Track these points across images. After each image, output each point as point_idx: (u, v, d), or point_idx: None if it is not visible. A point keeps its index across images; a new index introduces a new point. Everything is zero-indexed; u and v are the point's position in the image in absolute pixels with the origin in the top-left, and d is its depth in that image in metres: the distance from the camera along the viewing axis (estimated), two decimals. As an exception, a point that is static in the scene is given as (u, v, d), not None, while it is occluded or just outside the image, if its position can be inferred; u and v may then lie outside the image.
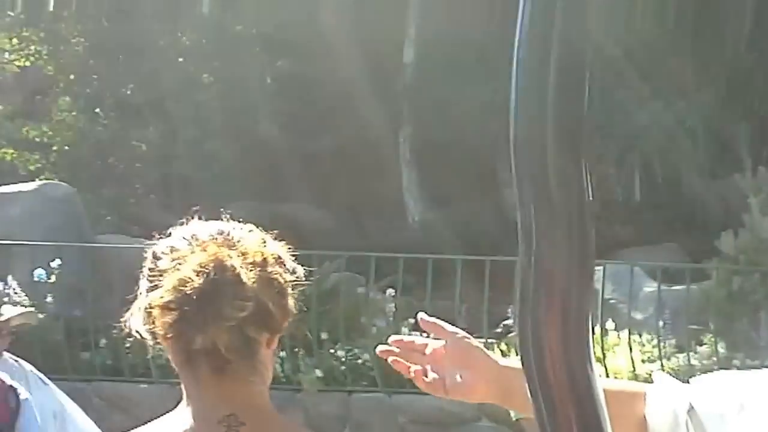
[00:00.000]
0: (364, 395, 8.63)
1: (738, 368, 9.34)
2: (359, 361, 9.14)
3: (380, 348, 1.86)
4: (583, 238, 0.97)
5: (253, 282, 1.72)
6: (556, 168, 0.96)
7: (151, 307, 1.75)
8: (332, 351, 9.29)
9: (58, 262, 9.76)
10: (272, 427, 1.78)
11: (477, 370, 1.81)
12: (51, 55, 19.43)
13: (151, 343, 1.82)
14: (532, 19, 0.97)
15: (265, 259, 1.78)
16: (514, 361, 1.97)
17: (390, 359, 1.85)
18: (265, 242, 1.82)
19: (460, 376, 1.81)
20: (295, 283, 1.82)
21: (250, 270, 1.73)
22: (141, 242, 10.40)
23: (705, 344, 9.71)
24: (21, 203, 11.82)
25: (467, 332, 1.91)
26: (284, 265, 1.82)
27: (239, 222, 1.88)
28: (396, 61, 18.97)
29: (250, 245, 1.79)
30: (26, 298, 8.99)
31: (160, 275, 1.76)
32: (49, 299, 9.81)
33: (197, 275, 1.69)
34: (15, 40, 20.18)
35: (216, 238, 1.79)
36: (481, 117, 16.31)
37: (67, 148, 18.13)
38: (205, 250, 1.75)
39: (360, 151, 17.77)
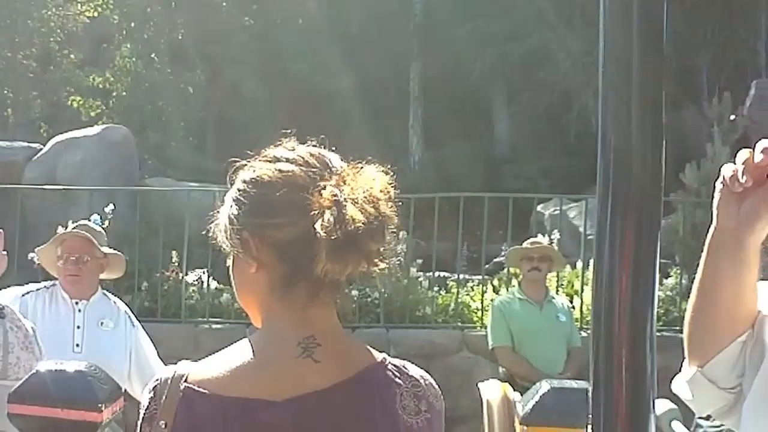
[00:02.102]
0: (367, 330, 8.57)
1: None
2: (368, 299, 9.04)
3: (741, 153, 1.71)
4: (656, 176, 1.03)
5: (392, 215, 1.53)
6: (638, 113, 1.01)
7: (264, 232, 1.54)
8: (347, 291, 9.06)
9: (111, 207, 9.27)
10: (344, 345, 1.63)
11: None
12: (116, 3, 18.92)
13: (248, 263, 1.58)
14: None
15: (389, 192, 1.55)
16: None
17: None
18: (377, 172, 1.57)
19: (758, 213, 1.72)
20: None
21: (388, 201, 1.53)
22: (184, 185, 9.91)
23: (671, 276, 9.04)
24: (85, 148, 11.28)
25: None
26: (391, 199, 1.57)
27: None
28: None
29: (376, 177, 1.55)
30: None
31: (284, 201, 1.53)
32: (104, 246, 9.37)
33: (356, 204, 1.49)
34: (85, -9, 19.87)
35: (341, 167, 1.58)
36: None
37: (124, 93, 17.76)
38: (344, 181, 1.53)
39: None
